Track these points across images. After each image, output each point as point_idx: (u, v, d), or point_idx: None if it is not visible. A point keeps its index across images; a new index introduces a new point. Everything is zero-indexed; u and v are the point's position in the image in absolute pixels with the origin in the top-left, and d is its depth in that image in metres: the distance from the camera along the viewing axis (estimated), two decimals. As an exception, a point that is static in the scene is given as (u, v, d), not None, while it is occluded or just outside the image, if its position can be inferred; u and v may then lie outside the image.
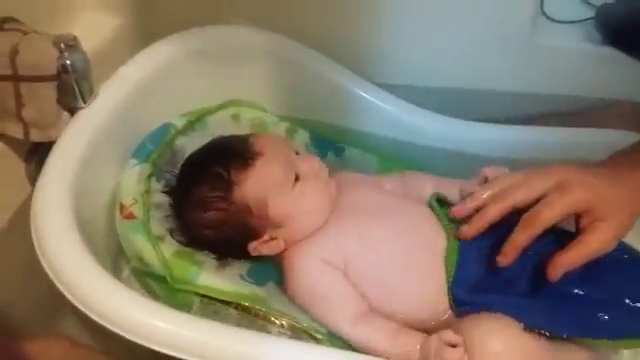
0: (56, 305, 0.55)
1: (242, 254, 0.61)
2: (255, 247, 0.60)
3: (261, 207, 0.58)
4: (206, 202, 0.59)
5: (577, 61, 0.82)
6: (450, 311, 0.57)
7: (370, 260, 0.58)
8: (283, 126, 0.75)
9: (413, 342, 0.54)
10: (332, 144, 0.76)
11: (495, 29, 0.80)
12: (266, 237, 0.60)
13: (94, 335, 0.62)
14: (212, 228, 0.60)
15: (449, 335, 0.52)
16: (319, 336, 0.57)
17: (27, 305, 0.64)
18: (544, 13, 0.84)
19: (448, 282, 0.57)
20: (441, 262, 0.57)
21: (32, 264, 0.53)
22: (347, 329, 0.56)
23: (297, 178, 0.59)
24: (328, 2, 0.80)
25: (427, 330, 0.56)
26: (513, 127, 0.75)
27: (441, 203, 0.62)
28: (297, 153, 0.62)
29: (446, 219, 0.59)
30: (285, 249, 0.60)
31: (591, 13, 0.85)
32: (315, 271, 0.58)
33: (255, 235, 0.60)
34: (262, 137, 0.63)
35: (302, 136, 0.76)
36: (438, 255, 0.58)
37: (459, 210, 0.57)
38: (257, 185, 0.58)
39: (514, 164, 0.60)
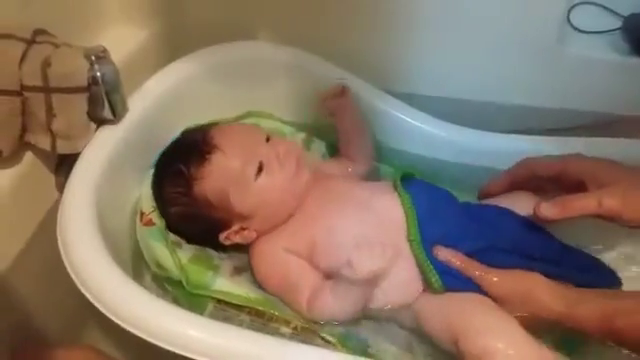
0: (81, 314, 0.55)
1: (220, 245, 0.62)
2: (226, 236, 0.60)
3: (223, 201, 0.59)
4: (171, 198, 0.60)
5: (604, 72, 0.81)
6: (422, 288, 0.57)
7: (334, 248, 0.58)
8: (300, 136, 0.76)
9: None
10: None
11: (520, 39, 0.79)
12: (236, 227, 0.60)
13: (118, 345, 0.62)
14: (182, 222, 0.61)
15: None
16: (331, 338, 0.57)
17: (52, 313, 0.64)
18: (570, 23, 0.84)
19: (415, 248, 0.56)
20: (403, 234, 0.57)
21: (59, 273, 0.53)
22: (305, 311, 0.57)
23: (261, 168, 0.59)
24: (348, 13, 0.80)
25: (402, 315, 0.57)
26: (536, 137, 0.74)
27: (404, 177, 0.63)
28: (268, 139, 0.61)
29: (404, 193, 0.60)
30: (257, 237, 0.61)
31: (618, 23, 0.84)
32: (277, 257, 0.59)
33: (224, 226, 0.60)
34: (225, 128, 0.62)
35: (319, 146, 0.76)
36: (400, 229, 0.58)
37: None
38: (215, 180, 0.58)
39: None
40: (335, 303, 0.56)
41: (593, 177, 0.55)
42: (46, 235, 0.57)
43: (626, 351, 0.51)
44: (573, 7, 0.84)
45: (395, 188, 0.62)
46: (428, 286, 0.56)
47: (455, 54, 0.81)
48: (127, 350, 0.63)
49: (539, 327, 0.53)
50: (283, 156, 0.60)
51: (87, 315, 0.53)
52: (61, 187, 0.64)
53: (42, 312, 0.63)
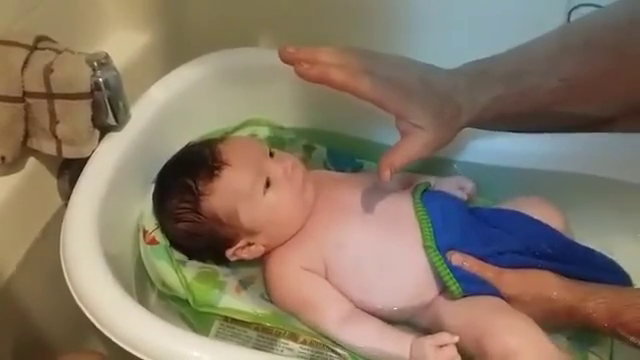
0: (86, 320, 0.55)
1: (224, 260, 0.61)
2: (233, 253, 0.60)
3: (231, 217, 0.58)
4: (176, 214, 0.59)
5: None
6: (439, 294, 0.57)
7: (346, 260, 0.58)
8: (300, 143, 0.75)
9: (402, 341, 0.54)
10: (350, 159, 0.75)
11: (520, 41, 0.79)
12: (242, 243, 0.60)
13: (124, 351, 0.62)
14: (187, 238, 0.60)
15: (445, 337, 0.52)
16: (341, 351, 0.56)
17: (58, 319, 0.64)
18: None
19: (433, 255, 0.56)
20: (418, 240, 0.57)
21: (63, 279, 0.53)
22: (333, 332, 0.56)
23: (268, 183, 0.59)
24: (348, 19, 0.80)
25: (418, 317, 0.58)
26: (542, 136, 0.72)
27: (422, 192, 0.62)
28: (271, 154, 0.61)
29: (417, 199, 0.60)
30: (266, 253, 0.60)
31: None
32: (295, 277, 0.58)
33: (230, 242, 0.60)
34: (231, 142, 0.62)
35: (319, 152, 0.75)
36: (414, 235, 0.58)
37: None
38: (225, 196, 0.58)
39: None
40: (372, 344, 0.55)
41: None
42: (49, 241, 0.58)
43: (631, 346, 0.51)
44: (574, 9, 0.84)
45: (412, 195, 0.62)
46: (447, 292, 0.57)
47: (454, 56, 0.81)
48: (132, 356, 0.63)
49: (550, 326, 0.53)
50: (290, 171, 0.60)
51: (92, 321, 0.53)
52: (63, 193, 0.64)
53: (46, 318, 0.63)
